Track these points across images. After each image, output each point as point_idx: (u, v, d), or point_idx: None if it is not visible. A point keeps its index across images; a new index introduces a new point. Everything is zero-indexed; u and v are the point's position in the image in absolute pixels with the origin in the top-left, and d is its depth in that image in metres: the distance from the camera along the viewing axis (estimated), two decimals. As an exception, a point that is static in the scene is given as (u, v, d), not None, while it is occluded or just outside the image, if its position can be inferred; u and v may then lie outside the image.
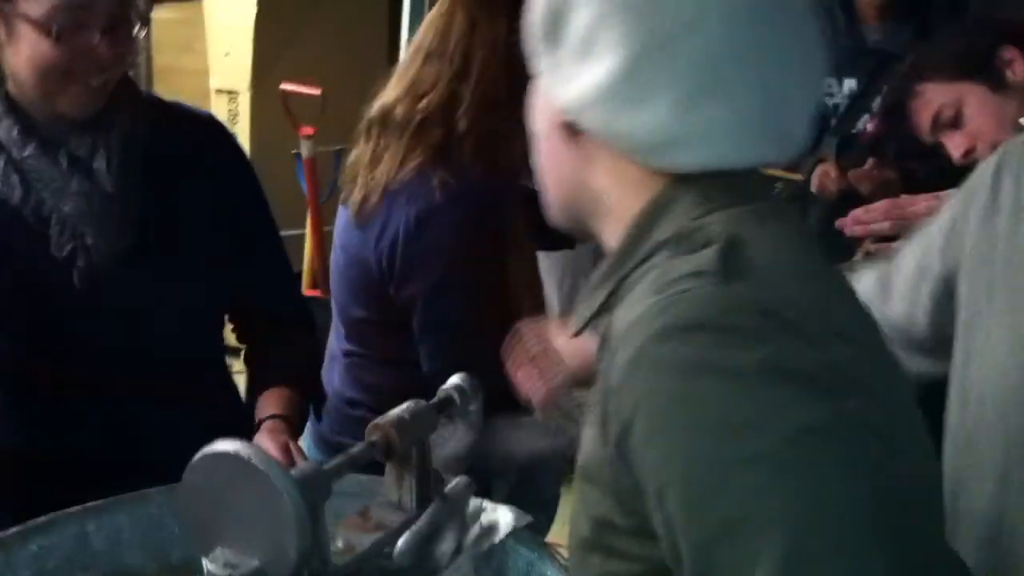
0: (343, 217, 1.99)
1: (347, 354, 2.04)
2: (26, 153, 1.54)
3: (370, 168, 1.90)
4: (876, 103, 2.81)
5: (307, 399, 1.75)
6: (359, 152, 1.95)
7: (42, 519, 1.26)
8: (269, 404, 1.65)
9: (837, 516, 0.81)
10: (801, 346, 0.85)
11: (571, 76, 0.95)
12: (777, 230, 0.95)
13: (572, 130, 0.98)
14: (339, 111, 3.55)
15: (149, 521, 1.31)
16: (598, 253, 2.91)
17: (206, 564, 1.01)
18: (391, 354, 1.96)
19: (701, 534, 0.83)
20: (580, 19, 0.94)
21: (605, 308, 0.98)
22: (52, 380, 1.64)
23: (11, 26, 1.48)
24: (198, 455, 1.00)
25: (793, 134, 0.97)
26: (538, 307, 2.14)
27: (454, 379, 1.23)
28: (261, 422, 1.61)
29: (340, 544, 1.08)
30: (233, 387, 1.84)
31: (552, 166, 1.04)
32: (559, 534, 1.34)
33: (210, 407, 1.67)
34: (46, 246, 1.55)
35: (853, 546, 0.81)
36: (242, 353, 1.85)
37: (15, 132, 1.54)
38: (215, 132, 1.76)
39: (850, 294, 1.00)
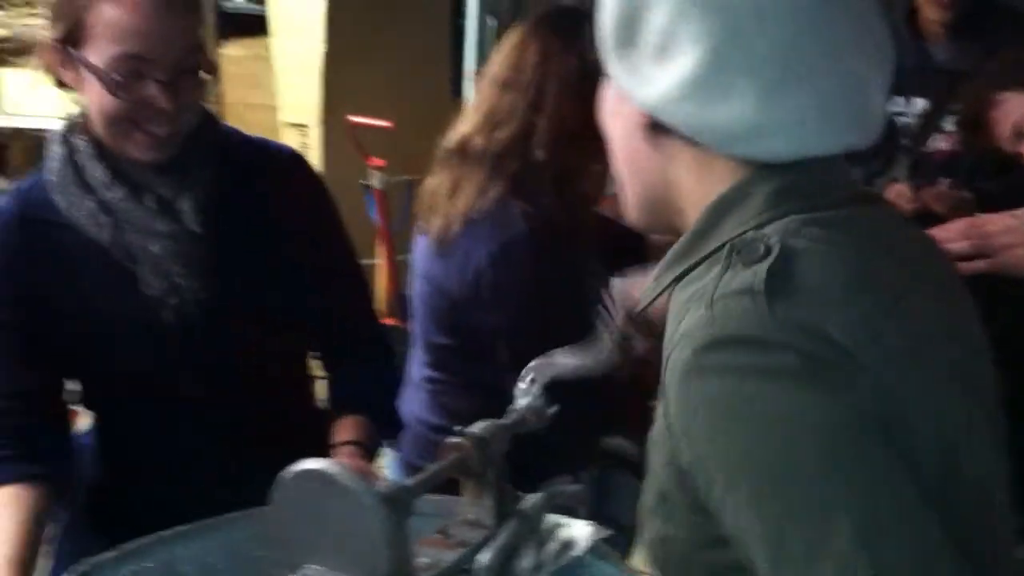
0: (422, 246, 2.02)
1: (430, 380, 2.06)
2: (115, 195, 1.58)
3: (450, 198, 1.93)
4: (947, 122, 2.78)
5: (382, 425, 1.78)
6: (437, 182, 1.98)
7: (132, 544, 1.28)
8: (344, 430, 1.67)
9: (892, 494, 0.86)
10: (838, 353, 0.88)
11: (652, 76, 0.97)
12: (841, 238, 0.96)
13: (654, 129, 1.00)
14: (406, 143, 3.61)
15: (235, 545, 1.32)
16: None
17: (295, 582, 1.04)
18: (473, 379, 1.98)
19: (772, 520, 0.88)
20: (657, 19, 0.96)
21: (669, 288, 1.03)
22: (137, 416, 1.68)
23: (79, 72, 1.52)
24: (286, 473, 1.02)
25: (875, 116, 0.98)
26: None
27: (527, 400, 1.24)
28: (335, 447, 1.64)
29: (425, 560, 1.09)
30: (319, 413, 1.87)
31: (634, 167, 1.06)
32: (638, 562, 1.34)
33: (294, 434, 1.70)
34: (134, 284, 1.59)
35: (910, 515, 0.86)
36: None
37: (103, 175, 1.58)
38: (296, 167, 1.78)
39: (938, 295, 1.01)
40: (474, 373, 1.98)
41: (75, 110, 1.62)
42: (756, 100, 0.93)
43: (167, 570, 1.34)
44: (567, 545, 1.19)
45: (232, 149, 1.68)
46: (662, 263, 1.05)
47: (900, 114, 2.93)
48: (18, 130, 4.35)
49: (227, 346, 1.64)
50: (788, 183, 0.97)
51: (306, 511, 1.02)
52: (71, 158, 1.59)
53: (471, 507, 1.16)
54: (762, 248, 0.93)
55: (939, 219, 2.29)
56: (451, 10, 4.84)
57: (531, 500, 1.19)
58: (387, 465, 2.16)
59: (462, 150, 1.93)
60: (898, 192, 2.79)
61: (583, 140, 1.83)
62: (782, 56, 0.93)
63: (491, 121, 1.90)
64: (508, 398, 1.90)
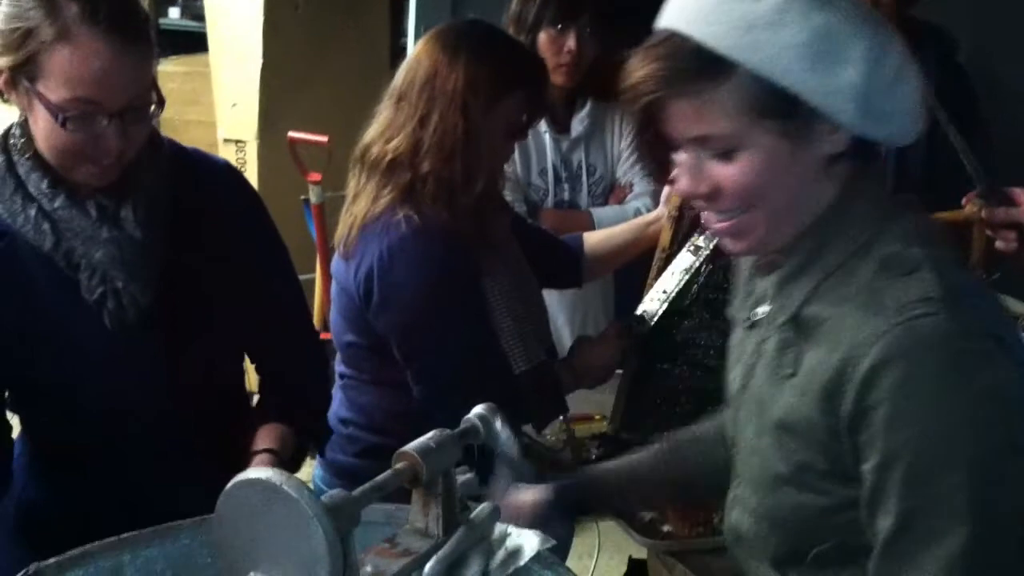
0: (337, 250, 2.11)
1: (342, 376, 2.15)
2: (56, 204, 1.57)
3: (352, 204, 2.03)
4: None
5: (307, 436, 1.79)
6: (348, 189, 2.07)
7: (77, 551, 1.27)
8: (263, 438, 1.68)
9: (1009, 525, 1.11)
10: (1015, 370, 1.12)
11: (891, 110, 1.19)
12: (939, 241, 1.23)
13: (835, 160, 1.21)
14: (343, 158, 3.60)
15: (181, 552, 1.31)
16: (605, 290, 2.93)
17: (239, 591, 1.03)
18: (380, 377, 2.07)
19: (910, 501, 1.12)
20: (891, 62, 1.18)
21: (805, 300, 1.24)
22: (75, 428, 1.66)
23: (31, 101, 1.51)
24: (230, 483, 1.02)
25: None
26: (544, 337, 2.23)
27: (477, 408, 1.25)
28: (252, 453, 1.64)
29: (369, 570, 1.09)
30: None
31: (804, 201, 1.23)
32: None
33: (237, 451, 1.69)
34: (76, 291, 1.58)
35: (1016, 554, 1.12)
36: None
37: (44, 185, 1.57)
38: (232, 179, 1.80)
39: None
40: (378, 370, 2.07)
41: (14, 118, 1.61)
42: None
43: (113, 576, 1.32)
44: (513, 554, 1.20)
45: (170, 160, 1.68)
46: (783, 275, 1.27)
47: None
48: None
49: (166, 350, 1.64)
50: (874, 188, 1.25)
51: (251, 519, 1.02)
52: (11, 168, 1.58)
53: (419, 516, 1.16)
54: (909, 261, 1.16)
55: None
56: (390, 28, 4.85)
57: (479, 509, 1.20)
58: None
59: (363, 158, 2.03)
60: None
61: (464, 156, 1.92)
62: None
63: (386, 132, 2.00)
64: (410, 394, 1.95)
